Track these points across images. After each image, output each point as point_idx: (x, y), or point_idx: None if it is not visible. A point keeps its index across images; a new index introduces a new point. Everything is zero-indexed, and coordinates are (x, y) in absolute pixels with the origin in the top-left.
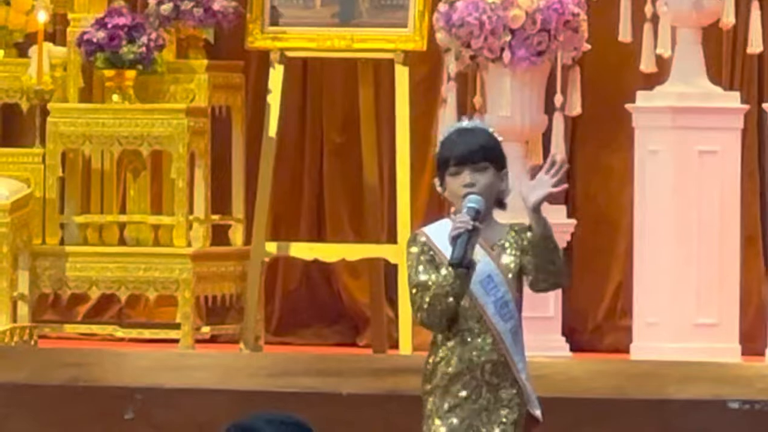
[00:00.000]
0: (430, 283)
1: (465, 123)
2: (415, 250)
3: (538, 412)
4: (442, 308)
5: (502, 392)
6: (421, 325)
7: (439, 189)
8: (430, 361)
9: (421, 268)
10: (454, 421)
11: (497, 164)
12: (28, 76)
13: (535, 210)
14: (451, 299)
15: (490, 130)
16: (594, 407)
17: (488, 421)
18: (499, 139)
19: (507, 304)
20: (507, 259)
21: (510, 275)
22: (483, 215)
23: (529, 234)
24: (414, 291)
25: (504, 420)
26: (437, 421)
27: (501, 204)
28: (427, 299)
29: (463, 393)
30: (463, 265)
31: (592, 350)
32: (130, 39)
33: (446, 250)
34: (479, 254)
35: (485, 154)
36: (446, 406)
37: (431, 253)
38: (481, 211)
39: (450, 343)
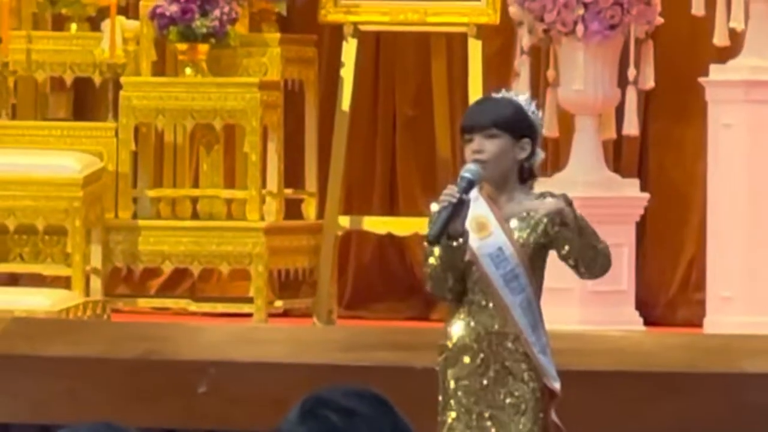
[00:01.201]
0: (433, 252)
1: (496, 94)
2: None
3: (556, 385)
4: (438, 279)
5: (511, 365)
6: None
7: None
8: (444, 334)
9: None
10: (464, 390)
11: (513, 133)
12: (100, 50)
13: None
14: (442, 271)
15: (522, 101)
16: (667, 381)
17: (494, 399)
18: (533, 112)
19: (517, 278)
20: (523, 234)
21: (526, 249)
22: (497, 184)
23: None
24: (423, 258)
25: (514, 397)
26: (450, 393)
27: (532, 175)
28: (428, 269)
29: (471, 365)
30: (440, 240)
31: (665, 324)
32: (203, 12)
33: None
34: (492, 225)
35: (496, 121)
36: (457, 379)
37: None
38: (476, 181)
39: (461, 315)
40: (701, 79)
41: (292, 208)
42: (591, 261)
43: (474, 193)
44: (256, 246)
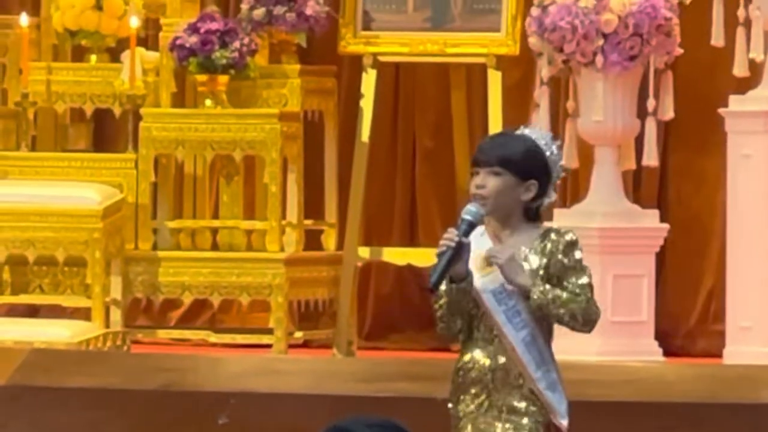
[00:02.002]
0: (440, 293)
1: (515, 130)
2: None
3: (564, 422)
4: (447, 321)
5: (514, 402)
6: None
7: None
8: (455, 369)
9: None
10: (470, 425)
11: (518, 173)
12: (120, 81)
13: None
14: (450, 314)
15: (542, 140)
16: (687, 412)
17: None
18: (551, 150)
19: (519, 314)
20: (526, 269)
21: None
22: (501, 221)
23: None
24: (432, 301)
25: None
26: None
27: (537, 215)
28: (437, 312)
29: (476, 400)
30: (439, 287)
31: (685, 355)
32: (223, 44)
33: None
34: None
35: (502, 159)
36: (463, 414)
37: None
38: (476, 222)
39: (467, 351)
40: (721, 110)
41: (312, 239)
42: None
43: (480, 229)
44: (276, 277)
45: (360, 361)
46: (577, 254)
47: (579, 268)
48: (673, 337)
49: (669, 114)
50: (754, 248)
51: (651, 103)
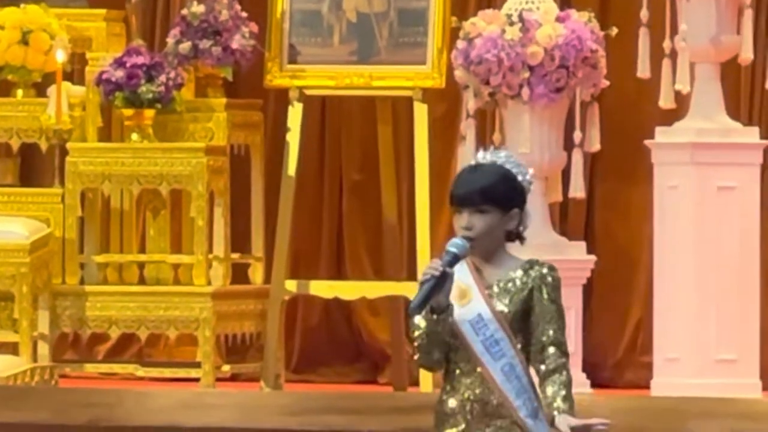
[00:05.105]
0: (419, 325)
1: (482, 155)
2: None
3: None
4: (425, 353)
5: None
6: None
7: None
8: (438, 399)
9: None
10: None
11: (503, 206)
12: (47, 115)
13: None
14: (428, 345)
15: (510, 165)
16: None
17: None
18: (524, 175)
19: (497, 343)
20: (505, 300)
21: (509, 316)
22: (484, 254)
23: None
24: (410, 332)
25: None
26: None
27: (520, 238)
28: (415, 342)
29: (458, 430)
30: (421, 312)
31: (612, 386)
32: (149, 78)
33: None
34: (473, 292)
35: (485, 197)
36: None
37: None
38: (461, 256)
39: (448, 383)
40: (647, 142)
41: (239, 273)
42: None
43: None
44: (203, 311)
45: (287, 395)
46: (559, 296)
47: (559, 315)
48: (600, 368)
49: (595, 146)
50: (681, 279)
51: (577, 135)
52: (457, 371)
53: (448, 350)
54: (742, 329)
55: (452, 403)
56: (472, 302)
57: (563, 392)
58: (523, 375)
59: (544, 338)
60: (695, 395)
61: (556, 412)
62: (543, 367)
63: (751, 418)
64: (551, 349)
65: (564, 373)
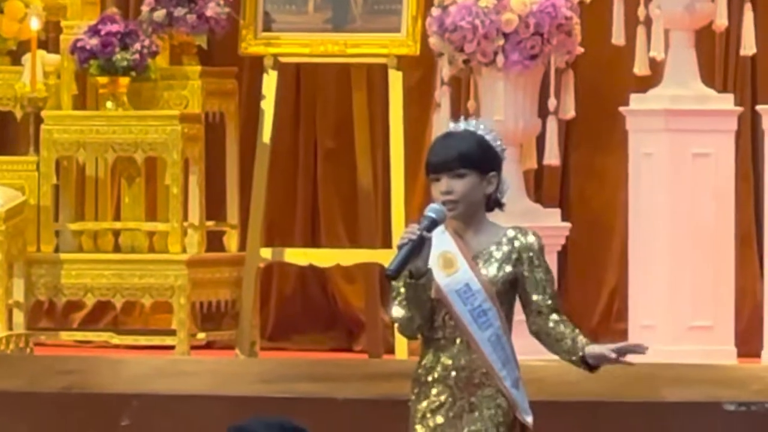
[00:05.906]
0: (399, 291)
1: (455, 126)
2: None
3: (529, 419)
4: (403, 318)
5: (480, 401)
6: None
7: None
8: (417, 367)
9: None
10: (431, 424)
11: (480, 169)
12: (21, 83)
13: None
14: (408, 311)
15: (482, 132)
16: (589, 410)
17: (464, 426)
18: (496, 141)
19: (485, 313)
20: (491, 270)
21: (494, 286)
22: (464, 220)
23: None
24: (390, 299)
25: (480, 425)
26: (417, 428)
27: (499, 205)
28: (395, 305)
29: (440, 399)
30: (399, 276)
31: None
32: (124, 46)
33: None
34: (459, 261)
35: (463, 160)
36: (424, 413)
37: None
38: (439, 220)
39: (430, 350)
40: (622, 109)
41: (214, 241)
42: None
43: (440, 228)
44: (178, 278)
45: (263, 362)
46: (545, 262)
47: (551, 281)
48: None
49: (570, 113)
50: (656, 247)
51: (552, 103)
52: (443, 340)
53: (430, 317)
54: (717, 296)
55: (435, 372)
56: (459, 272)
57: (581, 334)
58: (507, 345)
59: (544, 308)
60: (670, 362)
61: (585, 346)
62: (551, 324)
63: (726, 384)
64: (554, 316)
65: (571, 325)
